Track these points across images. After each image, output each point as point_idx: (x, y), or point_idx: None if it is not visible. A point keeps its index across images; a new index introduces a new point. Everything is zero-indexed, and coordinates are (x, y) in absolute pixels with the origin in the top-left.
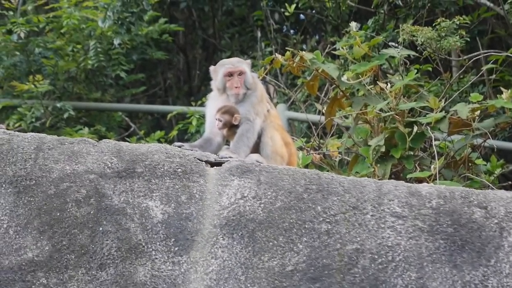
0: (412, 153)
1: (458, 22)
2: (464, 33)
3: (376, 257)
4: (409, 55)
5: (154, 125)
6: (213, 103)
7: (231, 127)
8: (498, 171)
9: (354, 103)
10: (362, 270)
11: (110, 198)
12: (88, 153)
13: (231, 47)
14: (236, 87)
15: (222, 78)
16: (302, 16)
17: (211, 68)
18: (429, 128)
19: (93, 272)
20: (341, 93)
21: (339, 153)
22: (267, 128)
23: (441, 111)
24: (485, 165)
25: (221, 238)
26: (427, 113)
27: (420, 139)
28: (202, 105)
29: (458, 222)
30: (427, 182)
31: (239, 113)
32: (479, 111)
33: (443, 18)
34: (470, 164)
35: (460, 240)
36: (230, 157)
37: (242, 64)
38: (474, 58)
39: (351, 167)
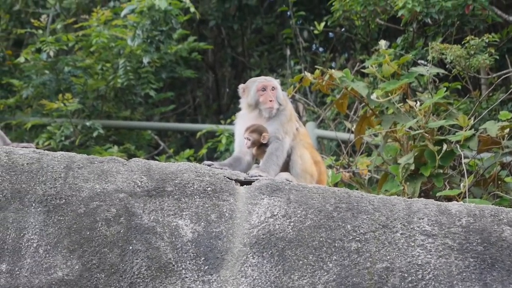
0: (441, 171)
1: (487, 40)
2: (493, 51)
3: (406, 275)
4: (438, 73)
5: (184, 143)
6: (242, 122)
7: (260, 146)
8: None
9: (383, 121)
10: None
11: (140, 217)
12: (117, 172)
13: (260, 65)
14: (271, 101)
15: (255, 93)
16: (331, 34)
17: (240, 86)
18: (458, 146)
19: None
20: (370, 111)
21: (369, 171)
22: (297, 147)
23: (470, 129)
24: None
25: (251, 257)
26: (456, 131)
27: (450, 157)
28: (231, 123)
29: (488, 240)
30: (457, 200)
31: (267, 132)
32: (508, 129)
33: (472, 36)
34: (499, 182)
35: (490, 259)
36: (260, 176)
37: (273, 80)
38: (504, 76)
39: (381, 185)
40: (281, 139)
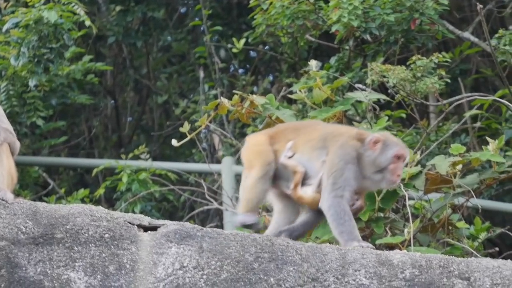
0: (382, 214)
1: (436, 60)
2: (443, 73)
3: None
4: (378, 100)
5: (77, 181)
6: None
7: None
8: (483, 235)
9: None
10: None
11: (24, 268)
12: None
13: (168, 90)
14: None
15: None
16: (252, 53)
17: None
18: (402, 186)
19: None
20: None
21: None
22: None
23: (416, 165)
24: (468, 228)
25: None
26: None
27: (392, 199)
28: (133, 158)
29: None
30: (400, 249)
31: None
32: (461, 165)
33: (419, 56)
34: (450, 228)
35: None
36: None
37: None
38: (456, 103)
39: (310, 232)
40: None
